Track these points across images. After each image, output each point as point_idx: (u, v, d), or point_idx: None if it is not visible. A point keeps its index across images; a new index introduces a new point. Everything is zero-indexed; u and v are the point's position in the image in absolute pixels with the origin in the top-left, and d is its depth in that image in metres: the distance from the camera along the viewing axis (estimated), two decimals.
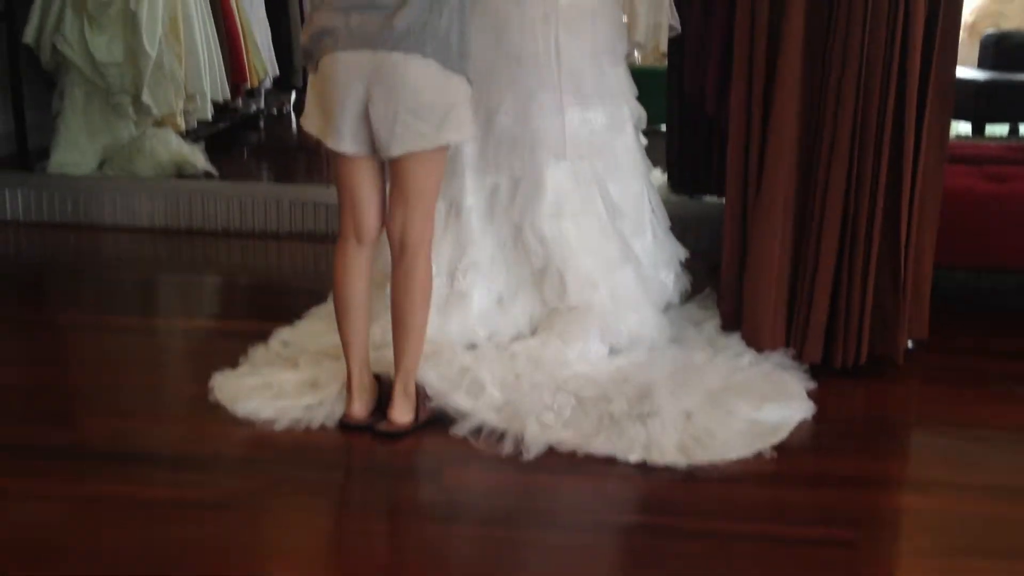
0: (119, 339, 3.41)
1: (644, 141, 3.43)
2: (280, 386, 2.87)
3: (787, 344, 3.11)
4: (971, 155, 4.00)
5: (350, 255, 2.70)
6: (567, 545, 2.27)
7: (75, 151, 5.02)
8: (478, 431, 2.70)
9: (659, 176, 4.81)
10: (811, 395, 2.92)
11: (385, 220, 2.70)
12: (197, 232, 4.67)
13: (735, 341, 3.14)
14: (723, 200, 3.30)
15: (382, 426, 2.70)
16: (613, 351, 3.13)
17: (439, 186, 2.74)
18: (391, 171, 2.65)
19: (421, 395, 2.76)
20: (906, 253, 3.05)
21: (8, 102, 5.10)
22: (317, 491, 2.48)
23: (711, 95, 3.86)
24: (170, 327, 3.62)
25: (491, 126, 3.11)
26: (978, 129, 6.47)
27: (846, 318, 3.06)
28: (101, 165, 5.09)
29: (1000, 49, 6.81)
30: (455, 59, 2.54)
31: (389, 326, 2.77)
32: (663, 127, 4.85)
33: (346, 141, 2.57)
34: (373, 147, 2.59)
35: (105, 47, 4.89)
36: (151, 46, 4.87)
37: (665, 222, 3.47)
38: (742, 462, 2.60)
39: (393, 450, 2.65)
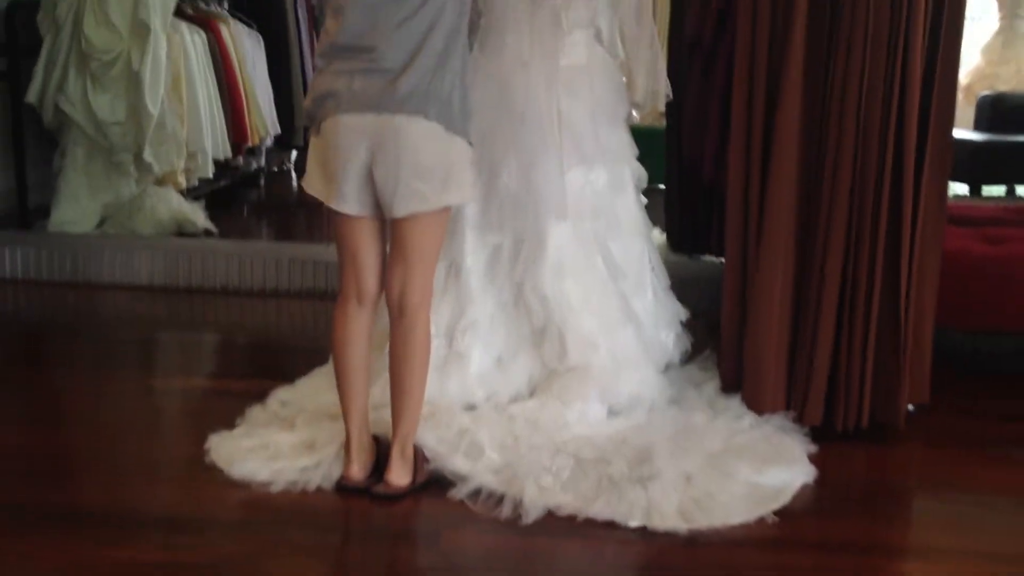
0: (117, 399, 3.39)
1: (644, 200, 3.45)
2: (277, 447, 2.85)
3: (788, 406, 3.10)
4: (969, 216, 4.01)
5: (350, 316, 2.70)
6: None
7: (75, 209, 5.04)
8: (476, 494, 2.68)
9: (658, 236, 4.83)
10: (812, 458, 2.90)
11: (384, 281, 2.71)
12: (196, 290, 4.67)
13: (735, 403, 3.13)
14: (722, 260, 3.31)
15: (379, 488, 2.68)
16: (612, 412, 3.11)
17: (440, 247, 2.75)
18: (392, 232, 2.66)
19: (419, 457, 2.74)
20: (906, 316, 3.05)
21: (10, 160, 5.13)
22: (314, 554, 2.45)
23: (709, 161, 3.88)
24: (168, 387, 3.61)
25: (494, 186, 3.12)
26: (975, 190, 6.51)
27: (847, 381, 3.05)
28: (101, 223, 5.10)
29: (996, 111, 6.86)
30: (457, 121, 2.56)
31: (388, 386, 2.76)
32: (662, 186, 4.88)
33: (349, 202, 2.58)
34: (376, 208, 2.60)
35: (108, 106, 4.93)
36: (153, 105, 4.91)
37: (665, 281, 3.48)
38: (744, 526, 2.57)
39: (390, 513, 2.62)
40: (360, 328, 2.71)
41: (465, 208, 3.12)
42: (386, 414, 2.81)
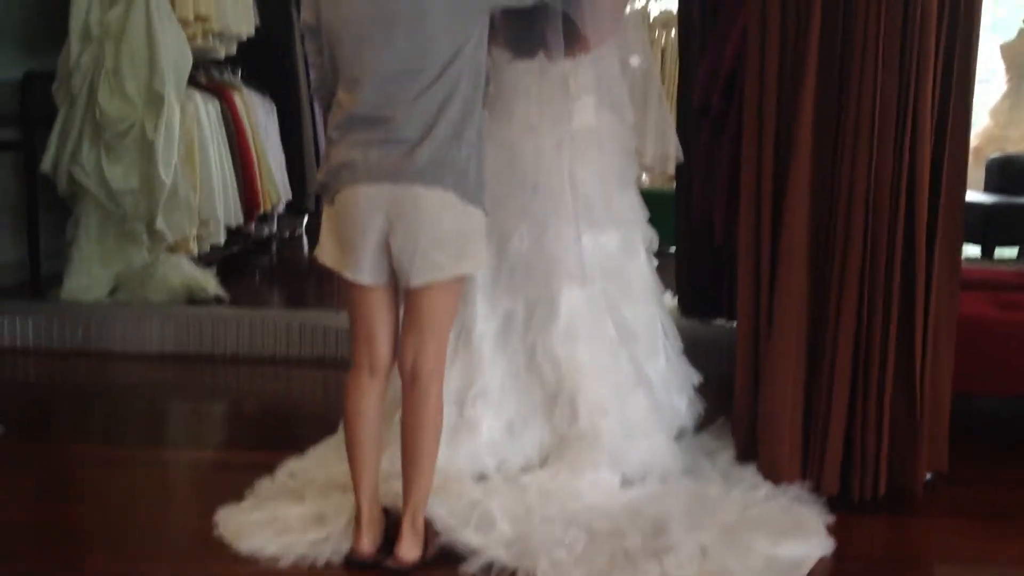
0: (126, 472, 3.36)
1: (655, 262, 3.43)
2: (285, 521, 2.81)
3: (804, 476, 3.05)
4: (982, 280, 3.99)
5: (363, 387, 2.68)
6: None
7: (88, 277, 5.05)
8: (488, 568, 2.63)
9: (669, 299, 4.81)
10: (830, 529, 2.84)
11: (397, 350, 2.69)
12: (207, 358, 4.66)
13: (750, 473, 3.08)
14: (734, 325, 3.28)
15: (389, 562, 2.63)
16: (625, 481, 3.07)
17: (454, 316, 2.75)
18: (406, 301, 2.65)
19: (430, 530, 2.70)
20: (922, 381, 3.01)
21: (24, 230, 5.16)
22: None
23: (719, 225, 3.88)
24: (178, 458, 3.58)
25: (504, 252, 3.12)
26: (987, 252, 6.48)
27: (863, 449, 3.00)
28: (113, 291, 5.11)
29: (1006, 173, 6.87)
30: (473, 190, 2.57)
31: (397, 456, 2.73)
32: (672, 249, 4.87)
33: (365, 272, 2.58)
34: (391, 277, 2.60)
35: (121, 175, 4.96)
36: (166, 174, 4.94)
37: (679, 346, 3.45)
38: None
39: None
40: (372, 399, 2.69)
41: (476, 274, 3.11)
42: (396, 485, 2.77)
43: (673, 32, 7.91)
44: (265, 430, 3.87)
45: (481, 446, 3.09)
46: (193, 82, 5.36)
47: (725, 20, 4.07)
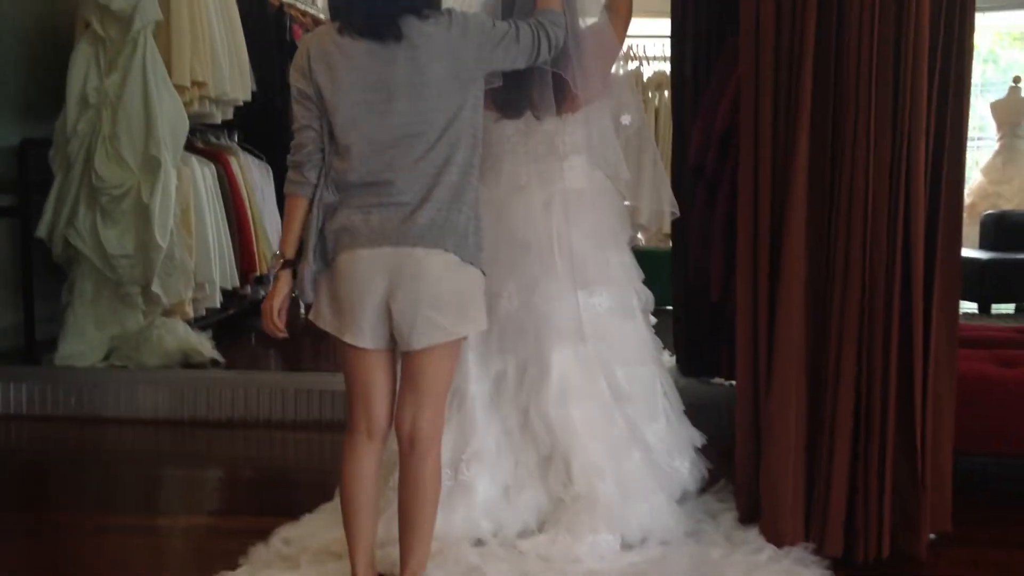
0: (119, 540, 3.31)
1: (653, 320, 3.42)
2: None
3: (807, 538, 3.01)
4: (980, 338, 3.98)
5: (360, 452, 2.65)
6: None
7: (83, 342, 5.03)
8: None
9: (667, 359, 4.79)
10: None
11: (394, 414, 2.66)
12: (201, 423, 4.62)
13: (753, 535, 3.04)
14: (733, 384, 3.26)
15: None
16: (625, 544, 3.02)
17: (452, 378, 2.72)
18: (404, 364, 2.63)
19: None
20: (923, 441, 2.99)
21: (19, 296, 5.15)
22: None
23: (716, 284, 3.88)
24: (171, 525, 3.53)
25: (495, 312, 3.10)
26: (984, 309, 6.49)
27: (865, 510, 2.97)
28: (108, 355, 5.09)
29: (1000, 229, 6.91)
30: (471, 251, 2.57)
31: (393, 521, 2.68)
32: (670, 307, 4.86)
33: (366, 336, 2.56)
34: (390, 341, 2.58)
35: (116, 240, 4.97)
36: (162, 238, 4.95)
37: (679, 407, 3.42)
38: None
39: None
40: (369, 464, 2.65)
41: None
42: (392, 551, 2.73)
43: (666, 93, 8.00)
44: (260, 496, 3.82)
45: (477, 510, 3.05)
46: (190, 146, 5.40)
47: (718, 80, 4.11)
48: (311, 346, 6.00)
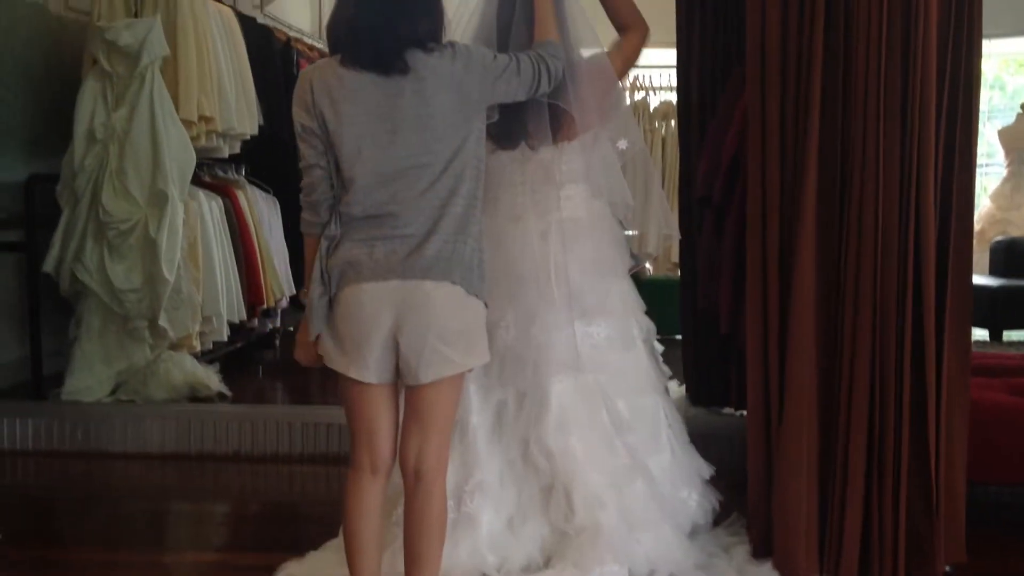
0: None
1: (661, 348, 3.38)
2: None
3: (820, 571, 2.97)
4: (992, 366, 3.94)
5: (364, 487, 2.62)
6: None
7: (90, 377, 5.01)
8: None
9: (677, 388, 4.76)
10: None
11: (399, 448, 2.63)
12: (208, 456, 4.59)
13: (767, 570, 2.99)
14: (743, 414, 3.23)
15: None
16: None
17: (456, 410, 2.69)
18: (409, 398, 2.60)
19: None
20: (937, 471, 2.95)
21: (26, 331, 5.15)
22: None
23: (725, 314, 3.85)
24: (178, 561, 3.50)
25: (494, 342, 3.05)
26: (996, 336, 6.45)
27: (880, 543, 2.93)
28: (115, 390, 5.07)
29: (1010, 256, 6.88)
30: (476, 284, 2.55)
31: (397, 556, 2.65)
32: (679, 337, 4.83)
33: (371, 371, 2.53)
34: (394, 375, 2.55)
35: (124, 274, 4.96)
36: (169, 272, 4.94)
37: (684, 437, 3.37)
38: None
39: None
40: (374, 500, 2.62)
41: None
42: None
43: (673, 122, 8.00)
44: (266, 531, 3.78)
45: (481, 542, 3.01)
46: (197, 180, 5.40)
47: (724, 109, 4.10)
48: (318, 379, 5.97)
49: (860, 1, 2.91)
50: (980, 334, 6.44)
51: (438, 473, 2.61)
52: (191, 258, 5.19)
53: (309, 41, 7.09)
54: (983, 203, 8.24)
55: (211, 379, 5.21)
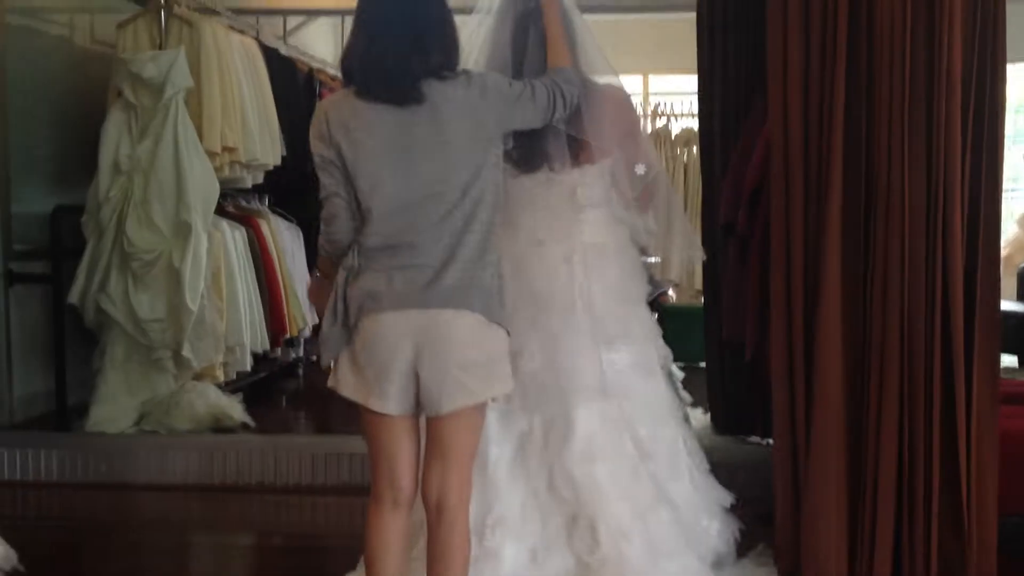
0: None
1: (681, 375, 3.34)
2: None
3: None
4: (1021, 394, 3.88)
5: (386, 520, 2.60)
6: None
7: (114, 408, 5.03)
8: None
9: (701, 416, 4.72)
10: None
11: (421, 480, 2.61)
12: (231, 488, 4.58)
13: None
14: (769, 442, 3.19)
15: None
16: None
17: (478, 441, 2.67)
18: (430, 429, 2.57)
19: None
20: (968, 500, 2.90)
21: (51, 362, 5.17)
22: None
23: (750, 340, 3.82)
24: None
25: (516, 370, 3.01)
26: None
27: (911, 574, 2.88)
28: (139, 420, 5.08)
29: None
30: (497, 311, 2.53)
31: None
32: (703, 364, 4.80)
33: (391, 402, 2.50)
34: (415, 406, 2.53)
35: (148, 304, 4.98)
36: (193, 302, 4.95)
37: (704, 466, 3.32)
38: None
39: None
40: (396, 533, 2.60)
41: None
42: None
43: (695, 149, 7.99)
44: (288, 564, 3.76)
45: None
46: (220, 210, 5.43)
47: (747, 137, 4.09)
48: (341, 409, 5.96)
49: (883, 28, 2.89)
50: (1008, 361, 6.36)
51: (461, 505, 2.58)
52: (215, 288, 5.21)
53: (332, 72, 7.12)
54: (1009, 228, 8.17)
55: (235, 409, 5.22)
